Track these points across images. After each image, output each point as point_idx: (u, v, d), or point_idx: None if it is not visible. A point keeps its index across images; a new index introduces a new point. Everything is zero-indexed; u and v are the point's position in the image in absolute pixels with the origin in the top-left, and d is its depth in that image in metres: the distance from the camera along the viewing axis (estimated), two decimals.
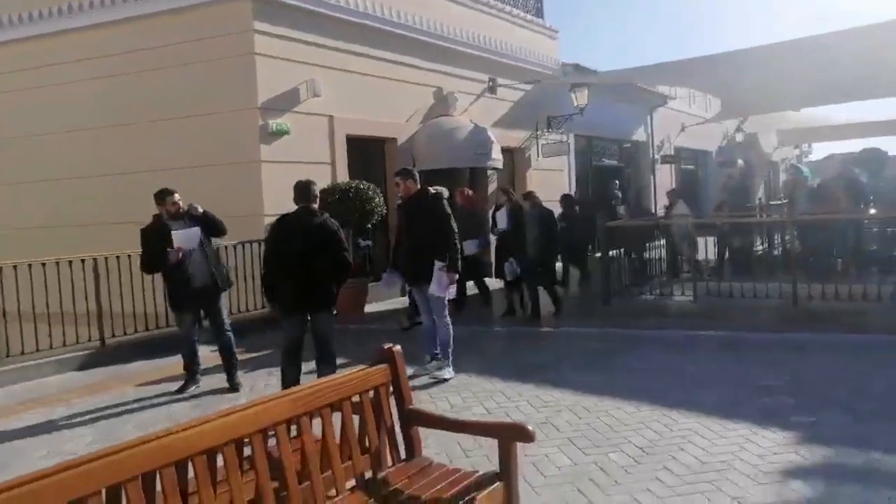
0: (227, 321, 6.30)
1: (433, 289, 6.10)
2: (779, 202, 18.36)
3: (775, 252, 11.21)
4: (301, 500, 2.55)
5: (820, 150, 37.17)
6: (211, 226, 6.19)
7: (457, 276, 6.22)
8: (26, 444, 5.06)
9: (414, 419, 3.10)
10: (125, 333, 7.71)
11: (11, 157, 10.97)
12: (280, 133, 9.52)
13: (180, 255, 5.93)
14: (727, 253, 11.56)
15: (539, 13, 15.78)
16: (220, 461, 2.37)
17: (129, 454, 2.07)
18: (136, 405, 5.90)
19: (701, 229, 11.10)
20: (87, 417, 5.62)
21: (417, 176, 6.40)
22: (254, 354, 7.38)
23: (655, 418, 4.82)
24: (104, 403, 5.98)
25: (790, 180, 17.88)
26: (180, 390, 6.13)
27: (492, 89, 13.67)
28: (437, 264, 6.03)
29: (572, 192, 14.53)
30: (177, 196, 6.14)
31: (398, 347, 3.15)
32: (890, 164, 23.01)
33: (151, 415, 5.60)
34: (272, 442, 2.57)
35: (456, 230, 6.21)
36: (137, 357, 7.45)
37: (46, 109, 10.56)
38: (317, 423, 2.73)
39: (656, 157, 20.69)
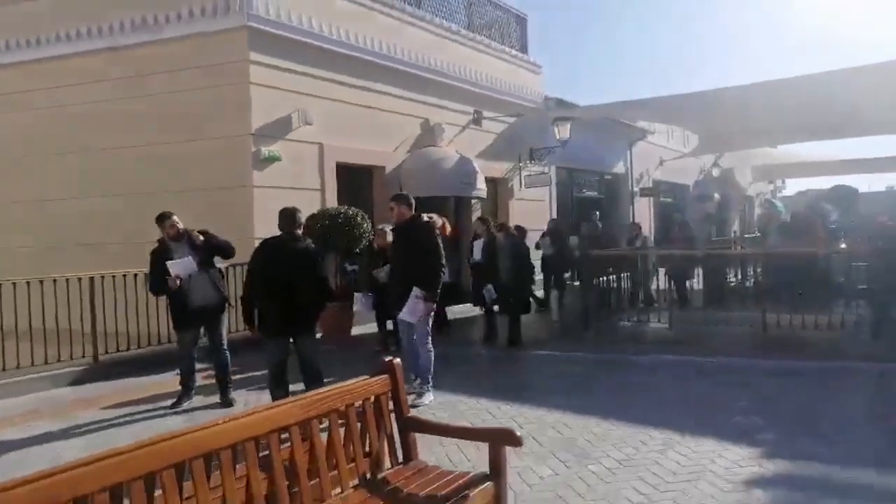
0: (224, 341, 6.51)
1: (404, 314, 6.18)
2: (753, 235, 18.94)
3: (748, 283, 11.64)
4: (311, 497, 2.80)
5: (793, 186, 38.25)
6: (215, 252, 6.43)
7: (433, 306, 6.32)
8: (23, 454, 5.21)
9: (411, 425, 3.37)
10: (118, 350, 7.86)
11: (8, 177, 11.18)
12: (272, 160, 9.82)
13: (178, 282, 6.16)
14: (694, 285, 11.89)
15: (524, 49, 16.34)
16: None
17: (162, 446, 2.33)
18: (130, 419, 6.07)
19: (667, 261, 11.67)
20: (83, 430, 5.78)
21: (413, 202, 6.49)
22: (247, 374, 7.54)
23: (633, 435, 5.12)
24: (99, 417, 6.13)
25: (764, 214, 18.50)
26: (175, 405, 6.31)
27: (477, 121, 14.12)
28: (415, 291, 6.11)
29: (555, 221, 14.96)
30: (175, 218, 6.36)
31: (398, 360, 3.44)
32: (860, 201, 23.83)
33: (146, 427, 5.77)
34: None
35: (443, 261, 6.31)
36: (130, 373, 7.61)
37: (46, 131, 10.84)
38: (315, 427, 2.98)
39: (635, 189, 21.26)
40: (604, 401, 6.21)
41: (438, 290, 6.30)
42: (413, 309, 6.14)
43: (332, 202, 10.63)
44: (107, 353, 7.78)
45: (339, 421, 3.09)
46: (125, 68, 10.18)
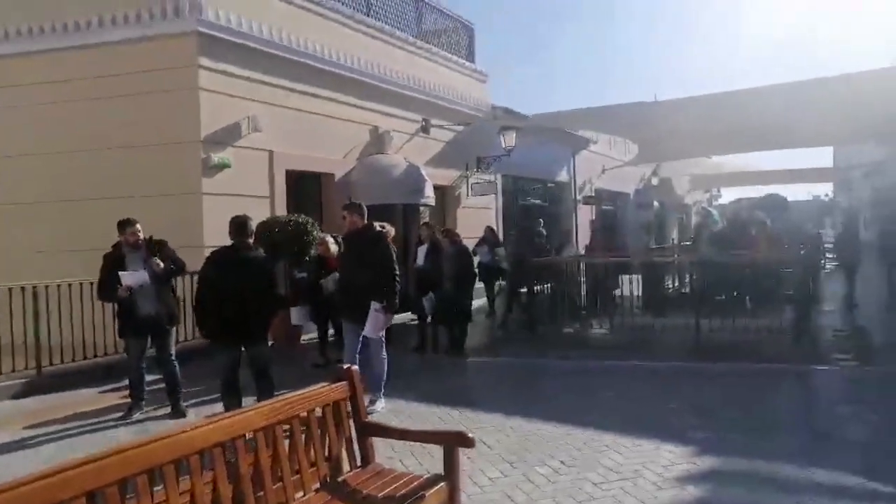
0: (173, 352, 6.46)
1: (368, 330, 6.15)
2: (688, 243, 19.72)
3: (684, 290, 12.16)
4: (275, 500, 2.94)
5: (728, 195, 39.79)
6: (172, 276, 6.46)
7: (393, 317, 6.33)
8: None
9: (368, 430, 3.53)
10: (62, 362, 7.70)
11: None
12: (221, 166, 9.79)
13: (129, 293, 6.13)
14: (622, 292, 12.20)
15: (471, 58, 16.65)
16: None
17: (137, 452, 2.43)
18: (80, 430, 6.02)
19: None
20: (31, 444, 5.71)
21: (365, 211, 6.45)
22: (199, 385, 7.51)
23: (575, 436, 5.39)
24: (46, 430, 6.04)
25: (699, 223, 19.29)
26: (125, 416, 6.28)
27: (425, 129, 14.32)
28: (374, 305, 6.07)
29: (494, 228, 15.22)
30: (138, 227, 6.29)
31: (356, 367, 3.59)
32: (789, 208, 25.02)
33: (97, 439, 5.74)
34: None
35: (397, 270, 6.30)
36: (75, 385, 7.47)
37: None
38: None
39: (578, 197, 21.82)
40: (547, 404, 6.47)
41: (397, 301, 6.30)
42: (375, 324, 6.12)
43: (281, 209, 10.65)
44: (51, 364, 7.61)
45: (301, 427, 3.23)
46: (71, 71, 9.96)
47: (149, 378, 6.65)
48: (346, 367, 3.60)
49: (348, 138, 12.26)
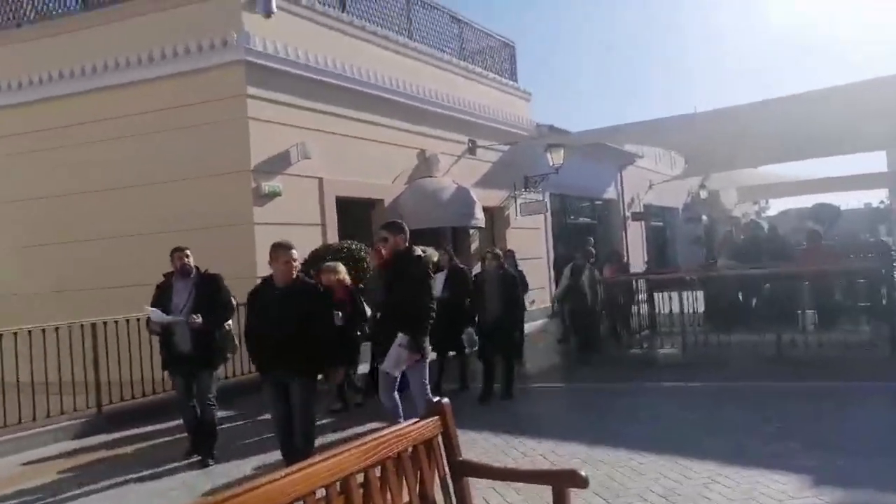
0: (212, 395, 5.99)
1: (387, 365, 5.45)
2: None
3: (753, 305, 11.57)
4: None
5: (777, 206, 38.71)
6: (215, 326, 5.99)
7: (418, 357, 5.51)
8: None
9: (466, 470, 3.19)
10: (122, 399, 7.56)
11: (6, 222, 10.91)
12: (272, 195, 9.67)
13: (158, 329, 5.90)
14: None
15: (513, 76, 16.43)
16: None
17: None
18: (142, 472, 5.80)
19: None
20: (98, 486, 5.52)
21: (408, 233, 5.74)
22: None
23: (670, 467, 4.95)
24: (109, 471, 5.87)
25: (722, 237, 18.44)
26: (187, 455, 6.03)
27: (471, 150, 14.10)
28: (398, 338, 5.37)
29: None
30: (187, 251, 6.03)
31: (447, 401, 3.27)
32: (842, 218, 24.07)
33: (165, 484, 5.51)
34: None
35: (432, 304, 5.60)
36: (135, 423, 7.30)
37: (42, 174, 10.59)
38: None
39: (627, 214, 21.31)
40: (631, 431, 6.04)
41: (426, 340, 5.52)
42: (393, 359, 5.39)
43: (332, 237, 10.48)
44: (111, 402, 7.45)
45: (392, 468, 2.91)
46: (120, 108, 10.01)
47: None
48: (436, 399, 3.28)
49: (396, 163, 12.09)
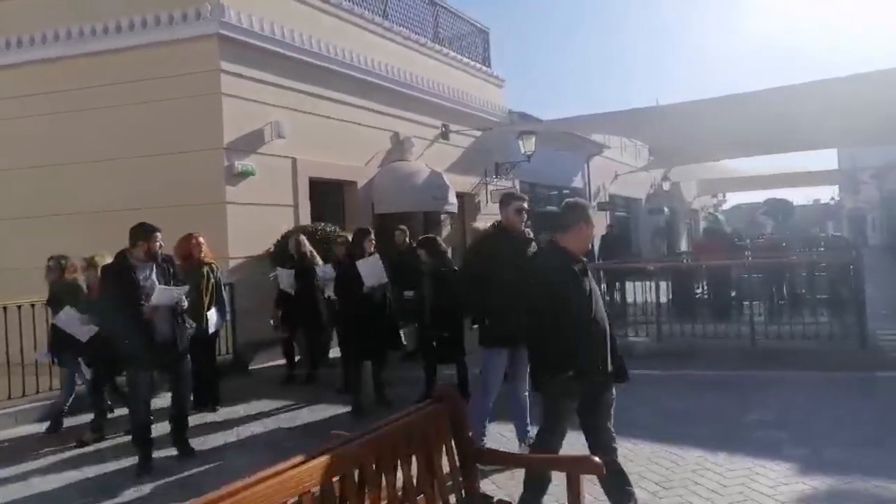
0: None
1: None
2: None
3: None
4: None
5: (733, 199, 39.49)
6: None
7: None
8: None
9: (478, 456, 3.10)
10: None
11: None
12: (245, 174, 9.39)
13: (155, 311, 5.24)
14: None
15: (486, 62, 16.31)
16: None
17: (260, 489, 2.03)
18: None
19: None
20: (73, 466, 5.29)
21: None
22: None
23: (661, 454, 4.95)
24: (74, 453, 5.65)
25: (706, 228, 18.81)
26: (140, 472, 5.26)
27: (444, 135, 13.94)
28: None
29: None
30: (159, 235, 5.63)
31: (452, 385, 3.17)
32: (795, 213, 24.63)
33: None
34: None
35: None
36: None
37: (5, 144, 10.04)
38: None
39: (593, 203, 21.43)
40: (617, 420, 6.01)
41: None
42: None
43: (305, 218, 10.25)
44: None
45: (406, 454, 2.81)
46: (87, 78, 9.55)
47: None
48: (440, 384, 3.18)
49: (370, 145, 11.88)
